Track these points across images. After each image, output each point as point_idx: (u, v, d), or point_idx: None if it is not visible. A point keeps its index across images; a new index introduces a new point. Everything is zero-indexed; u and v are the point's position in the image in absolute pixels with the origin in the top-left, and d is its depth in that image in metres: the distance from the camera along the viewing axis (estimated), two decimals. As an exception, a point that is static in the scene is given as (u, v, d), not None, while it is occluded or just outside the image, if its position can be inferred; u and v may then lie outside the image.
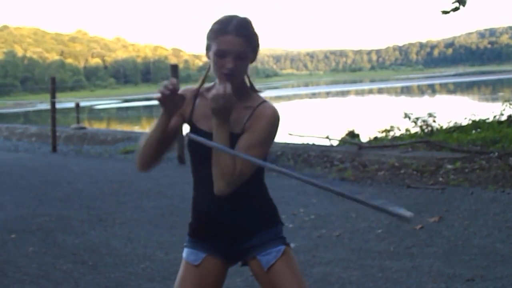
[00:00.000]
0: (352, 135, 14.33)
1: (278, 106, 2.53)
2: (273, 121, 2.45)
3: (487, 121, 13.87)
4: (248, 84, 2.55)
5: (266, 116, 2.43)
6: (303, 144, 11.67)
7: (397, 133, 13.65)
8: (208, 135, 2.43)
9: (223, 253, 2.60)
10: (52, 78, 14.77)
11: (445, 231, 5.70)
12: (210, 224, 2.56)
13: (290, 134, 12.90)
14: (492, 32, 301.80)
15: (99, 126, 28.50)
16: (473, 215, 6.15)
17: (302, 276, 2.61)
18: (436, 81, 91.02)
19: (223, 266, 2.63)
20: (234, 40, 2.38)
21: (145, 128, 29.26)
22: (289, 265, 2.54)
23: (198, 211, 2.61)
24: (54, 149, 14.10)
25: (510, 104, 14.28)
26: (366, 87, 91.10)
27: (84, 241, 6.03)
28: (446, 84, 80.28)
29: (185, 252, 2.63)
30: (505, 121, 13.43)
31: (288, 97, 60.80)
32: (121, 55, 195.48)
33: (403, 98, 50.64)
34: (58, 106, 15.28)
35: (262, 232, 2.55)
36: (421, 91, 65.06)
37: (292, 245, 2.76)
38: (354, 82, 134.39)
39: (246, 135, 2.43)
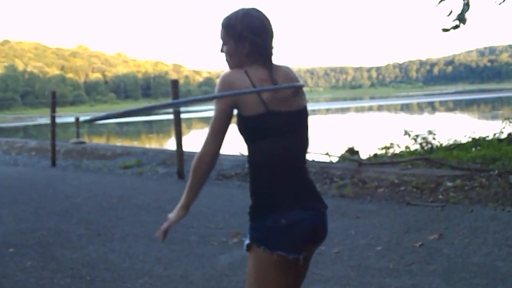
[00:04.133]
0: (352, 152, 14.32)
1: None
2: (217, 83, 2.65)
3: (487, 139, 13.88)
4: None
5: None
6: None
7: (397, 150, 13.64)
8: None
9: None
10: (53, 92, 14.77)
11: (445, 248, 5.68)
12: None
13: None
14: (492, 50, 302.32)
15: (99, 141, 28.54)
16: (473, 233, 6.13)
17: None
18: (436, 99, 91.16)
19: None
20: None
21: (145, 143, 29.28)
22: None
23: None
24: (53, 163, 14.08)
25: (509, 122, 14.30)
26: (366, 104, 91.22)
27: (82, 255, 6.00)
28: (446, 101, 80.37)
29: None
30: (505, 139, 13.44)
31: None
32: (121, 70, 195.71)
33: (403, 115, 50.70)
34: (58, 120, 15.28)
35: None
36: (420, 108, 65.09)
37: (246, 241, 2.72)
38: (354, 99, 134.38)
39: None
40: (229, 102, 2.60)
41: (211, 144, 2.63)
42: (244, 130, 2.65)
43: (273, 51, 2.73)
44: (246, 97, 2.57)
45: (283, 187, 2.61)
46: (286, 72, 2.73)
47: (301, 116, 2.71)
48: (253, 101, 2.57)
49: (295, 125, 2.67)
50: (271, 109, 2.58)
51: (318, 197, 2.73)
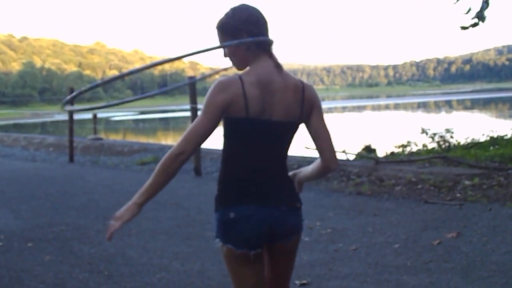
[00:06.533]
0: (369, 150, 14.28)
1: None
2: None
3: (505, 137, 13.77)
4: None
5: None
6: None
7: (414, 149, 13.58)
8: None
9: None
10: (71, 89, 14.84)
11: (463, 247, 5.65)
12: None
13: (307, 148, 12.87)
14: (510, 49, 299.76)
15: (116, 137, 28.63)
16: (491, 232, 6.09)
17: None
18: (453, 98, 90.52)
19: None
20: None
21: (161, 140, 29.39)
22: None
23: None
24: (71, 159, 14.17)
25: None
26: (382, 102, 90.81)
27: (100, 250, 6.04)
28: (463, 100, 79.80)
29: None
30: (523, 138, 13.33)
31: (305, 111, 60.40)
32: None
33: (420, 114, 50.41)
34: (75, 117, 15.36)
35: None
36: (438, 107, 64.65)
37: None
38: (370, 97, 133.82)
39: None
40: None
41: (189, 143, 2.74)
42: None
43: (272, 41, 2.66)
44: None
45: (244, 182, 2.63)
46: (296, 85, 2.63)
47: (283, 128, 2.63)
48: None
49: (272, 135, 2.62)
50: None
51: (285, 195, 2.67)
